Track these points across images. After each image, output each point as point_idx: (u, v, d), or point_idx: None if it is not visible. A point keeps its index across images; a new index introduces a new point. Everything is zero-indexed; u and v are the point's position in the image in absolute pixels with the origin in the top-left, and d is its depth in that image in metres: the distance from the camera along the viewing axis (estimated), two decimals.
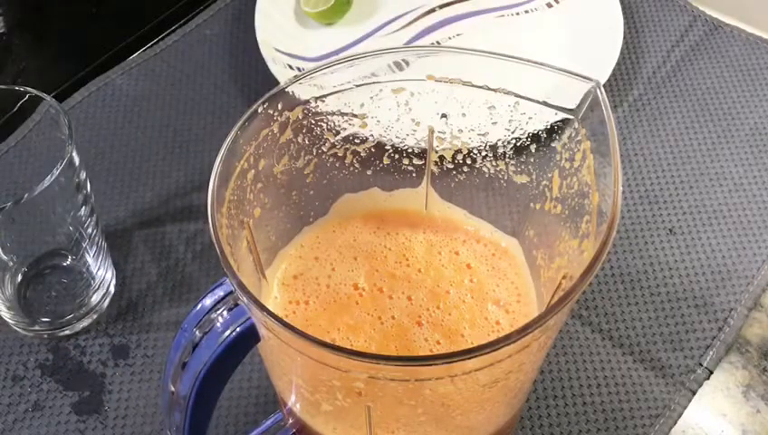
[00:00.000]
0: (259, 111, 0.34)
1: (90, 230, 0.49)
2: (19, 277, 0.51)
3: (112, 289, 0.53)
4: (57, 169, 0.43)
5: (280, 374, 0.37)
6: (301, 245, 0.41)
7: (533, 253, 0.40)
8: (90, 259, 0.51)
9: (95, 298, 0.52)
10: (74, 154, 0.45)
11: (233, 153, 0.33)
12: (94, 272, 0.51)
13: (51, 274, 0.52)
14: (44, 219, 0.46)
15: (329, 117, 0.38)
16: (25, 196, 0.42)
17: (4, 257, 0.49)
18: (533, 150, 0.38)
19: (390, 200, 0.42)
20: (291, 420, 0.40)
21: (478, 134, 0.39)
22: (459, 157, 0.40)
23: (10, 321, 0.51)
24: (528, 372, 0.35)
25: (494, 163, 0.39)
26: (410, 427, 0.35)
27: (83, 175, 0.47)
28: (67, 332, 0.51)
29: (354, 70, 0.36)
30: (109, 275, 0.52)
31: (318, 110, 0.37)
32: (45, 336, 0.51)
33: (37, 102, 0.47)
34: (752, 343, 0.51)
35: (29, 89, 0.47)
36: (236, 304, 0.31)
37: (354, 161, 0.40)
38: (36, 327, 0.51)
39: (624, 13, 0.66)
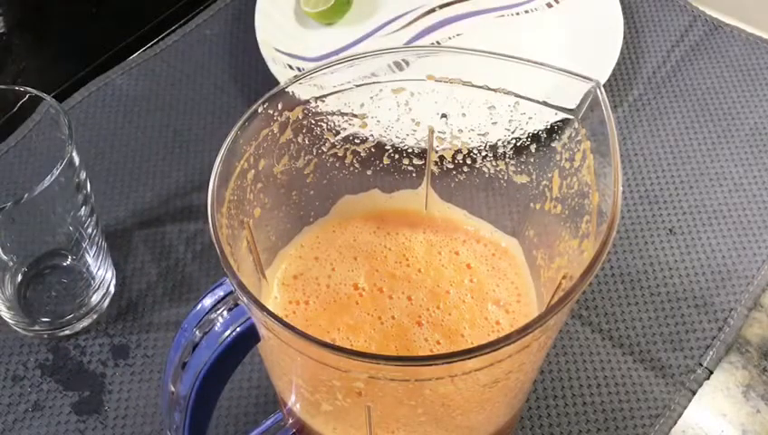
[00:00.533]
0: (259, 111, 0.34)
1: (90, 230, 0.49)
2: (19, 277, 0.51)
3: (112, 289, 0.53)
4: (57, 169, 0.43)
5: (280, 374, 0.37)
6: (301, 245, 0.41)
7: (533, 253, 0.40)
8: (90, 259, 0.51)
9: (95, 298, 0.52)
10: (74, 154, 0.45)
11: (233, 153, 0.33)
12: (94, 272, 0.51)
13: (51, 274, 0.52)
14: (44, 219, 0.46)
15: (329, 117, 0.38)
16: (25, 196, 0.42)
17: (4, 257, 0.49)
18: (533, 150, 0.38)
19: (390, 201, 0.42)
20: (291, 420, 0.40)
21: (478, 134, 0.38)
22: (459, 157, 0.40)
23: (10, 321, 0.51)
24: (528, 372, 0.35)
25: (494, 163, 0.39)
26: (410, 427, 0.35)
27: (83, 175, 0.47)
28: (67, 332, 0.51)
29: (354, 70, 0.36)
30: (109, 275, 0.52)
31: (318, 110, 0.37)
32: (45, 336, 0.51)
33: (37, 102, 0.47)
34: (752, 343, 0.51)
35: (29, 89, 0.47)
36: (236, 305, 0.31)
37: (354, 161, 0.40)
38: (36, 327, 0.51)
39: (624, 13, 0.66)
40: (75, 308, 0.51)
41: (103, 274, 0.52)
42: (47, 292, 0.52)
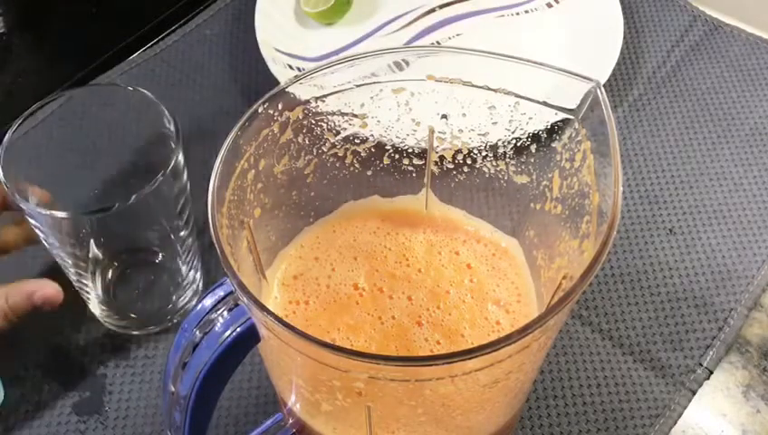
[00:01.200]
0: (259, 111, 0.34)
1: (184, 232, 0.49)
2: (109, 273, 0.51)
3: (200, 289, 0.52)
4: (166, 171, 0.43)
5: (280, 374, 0.37)
6: (301, 245, 0.41)
7: (534, 253, 0.40)
8: (180, 259, 0.50)
9: (183, 298, 0.51)
10: (180, 157, 0.44)
11: (233, 153, 0.33)
12: (184, 271, 0.51)
13: (140, 271, 0.52)
14: (144, 218, 0.46)
15: (329, 117, 0.38)
16: (133, 197, 0.42)
17: (97, 253, 0.48)
18: (534, 150, 0.38)
19: (391, 203, 0.42)
20: (291, 421, 0.40)
21: (478, 134, 0.38)
22: (459, 157, 0.40)
23: (100, 315, 0.51)
24: (528, 372, 0.35)
25: (494, 163, 0.39)
26: (410, 427, 0.35)
27: (185, 177, 0.46)
28: (153, 329, 0.51)
29: (354, 70, 0.36)
30: (198, 275, 0.52)
31: (318, 110, 0.37)
32: (134, 333, 0.51)
33: (146, 103, 0.46)
34: (752, 343, 0.51)
35: (139, 88, 0.46)
36: (237, 305, 0.31)
37: (354, 161, 0.40)
38: (124, 323, 0.51)
39: (624, 13, 0.66)
40: (163, 306, 0.51)
41: (194, 274, 0.51)
42: (135, 289, 0.51)
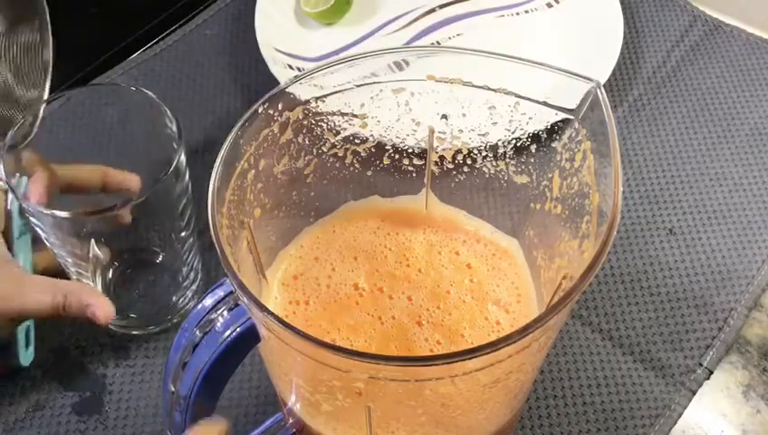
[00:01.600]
0: (259, 111, 0.34)
1: (184, 233, 0.48)
2: (110, 273, 0.51)
3: (199, 289, 0.52)
4: (169, 171, 0.43)
5: (280, 374, 0.37)
6: (301, 245, 0.41)
7: (534, 253, 0.40)
8: (181, 259, 0.50)
9: (183, 298, 0.51)
10: (182, 157, 0.44)
11: (233, 153, 0.33)
12: (184, 272, 0.51)
13: (140, 271, 0.51)
14: (145, 219, 0.46)
15: (329, 117, 0.38)
16: (133, 199, 0.42)
17: (98, 252, 0.48)
18: (534, 151, 0.38)
19: (391, 203, 0.42)
20: (291, 420, 0.40)
21: (478, 134, 0.38)
22: (459, 157, 0.40)
23: None
24: (528, 372, 0.35)
25: (494, 163, 0.39)
26: (410, 427, 0.35)
27: (187, 177, 0.46)
28: (154, 329, 0.51)
29: (354, 70, 0.36)
30: (199, 276, 0.52)
31: (318, 110, 0.37)
32: (134, 333, 0.51)
33: (151, 104, 0.46)
34: (752, 343, 0.51)
35: (143, 89, 0.46)
36: (237, 305, 0.32)
37: (354, 161, 0.40)
38: (124, 323, 0.51)
39: (624, 13, 0.66)
40: (163, 306, 0.51)
41: (194, 274, 0.51)
42: (135, 289, 0.51)
